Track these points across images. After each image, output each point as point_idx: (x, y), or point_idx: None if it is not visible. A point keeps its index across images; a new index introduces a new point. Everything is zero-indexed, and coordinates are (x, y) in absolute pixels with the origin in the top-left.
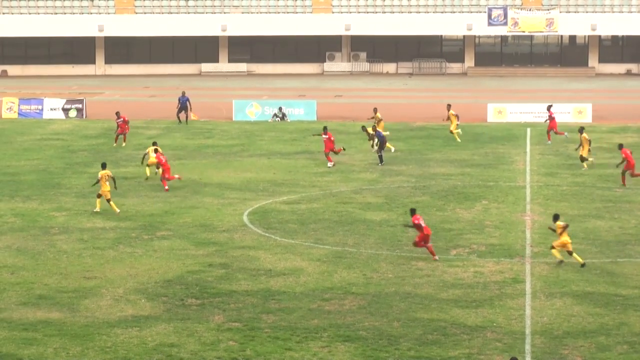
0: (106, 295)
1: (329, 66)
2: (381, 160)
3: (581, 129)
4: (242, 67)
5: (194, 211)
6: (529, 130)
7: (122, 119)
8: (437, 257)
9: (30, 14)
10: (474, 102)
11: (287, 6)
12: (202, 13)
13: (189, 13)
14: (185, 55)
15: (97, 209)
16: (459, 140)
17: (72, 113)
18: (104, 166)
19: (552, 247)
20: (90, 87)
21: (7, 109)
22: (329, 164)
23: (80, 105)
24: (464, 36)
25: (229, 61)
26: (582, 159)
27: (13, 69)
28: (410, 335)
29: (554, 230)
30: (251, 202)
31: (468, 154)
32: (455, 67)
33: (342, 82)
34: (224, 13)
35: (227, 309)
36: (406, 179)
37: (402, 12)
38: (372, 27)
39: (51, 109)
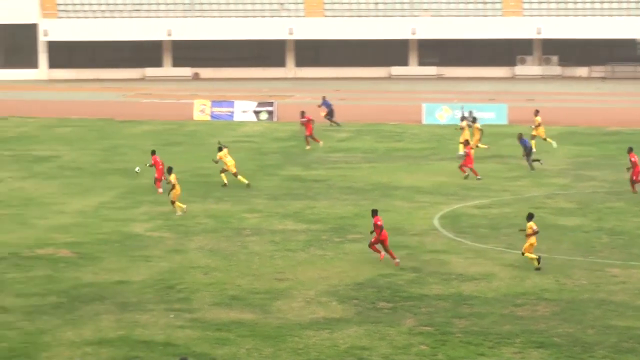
0: (298, 297)
1: (519, 70)
2: (532, 167)
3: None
4: (432, 70)
5: (384, 214)
6: None
7: (305, 119)
8: (398, 261)
9: (221, 17)
10: None
11: (477, 9)
12: (392, 16)
13: (378, 16)
14: (375, 58)
15: (179, 212)
16: (554, 145)
17: (263, 115)
18: (170, 171)
19: (523, 254)
20: (280, 89)
21: (200, 111)
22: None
23: (270, 108)
24: None
25: (419, 64)
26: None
27: (205, 72)
28: (605, 343)
29: (523, 231)
30: (442, 206)
31: None
32: None
33: (533, 86)
34: (414, 16)
35: (419, 312)
36: (599, 184)
37: (594, 15)
38: (564, 30)
39: (242, 112)
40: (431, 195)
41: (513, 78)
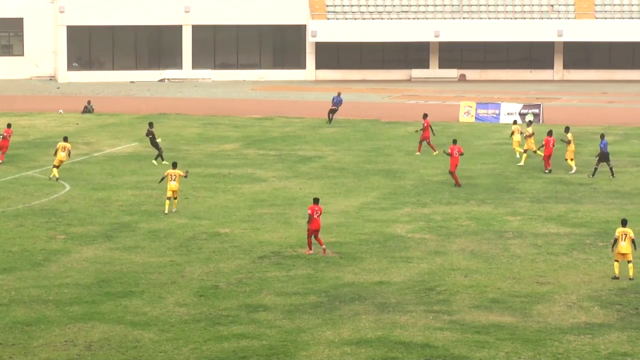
0: (559, 301)
1: None
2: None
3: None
4: None
5: None
6: None
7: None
8: (324, 246)
9: (489, 19)
10: None
11: None
12: None
13: None
14: None
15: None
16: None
17: (529, 118)
18: (174, 165)
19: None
20: (547, 92)
21: (465, 113)
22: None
23: (537, 110)
24: None
25: None
26: None
27: (471, 74)
28: None
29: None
30: None
31: None
32: None
33: None
34: None
35: None
36: None
37: None
38: None
39: (508, 114)
40: None
41: None
